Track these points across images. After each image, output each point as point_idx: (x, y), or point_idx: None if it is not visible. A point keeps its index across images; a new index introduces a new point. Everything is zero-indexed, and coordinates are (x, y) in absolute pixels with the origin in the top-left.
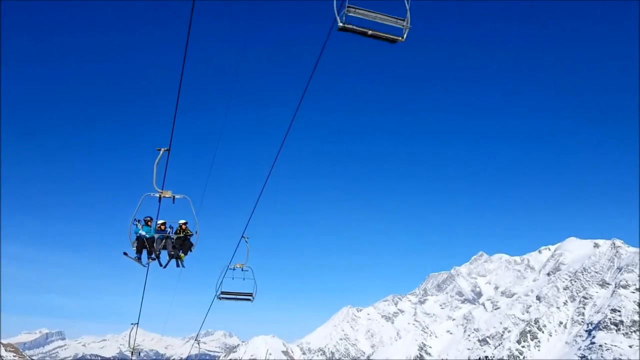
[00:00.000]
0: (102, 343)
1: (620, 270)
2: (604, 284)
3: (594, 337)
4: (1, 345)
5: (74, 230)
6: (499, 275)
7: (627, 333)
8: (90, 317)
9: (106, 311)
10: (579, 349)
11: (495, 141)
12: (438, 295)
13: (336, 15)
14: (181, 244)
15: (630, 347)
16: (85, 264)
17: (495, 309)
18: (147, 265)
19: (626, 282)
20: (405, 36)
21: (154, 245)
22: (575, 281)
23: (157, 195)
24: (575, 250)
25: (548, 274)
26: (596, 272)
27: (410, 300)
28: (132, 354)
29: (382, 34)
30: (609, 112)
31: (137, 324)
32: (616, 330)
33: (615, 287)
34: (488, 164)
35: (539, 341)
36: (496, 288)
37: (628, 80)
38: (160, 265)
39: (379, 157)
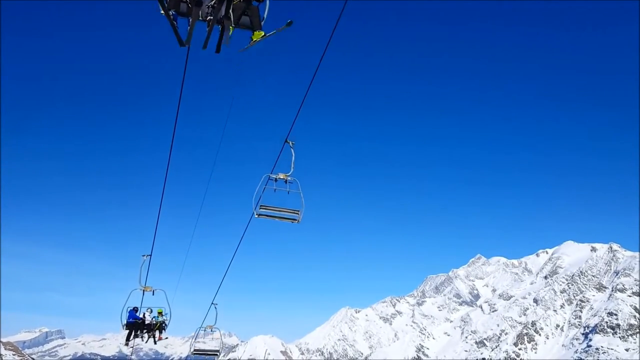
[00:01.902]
0: (102, 342)
1: (617, 274)
2: (601, 288)
3: (590, 340)
4: (1, 344)
5: (73, 228)
6: (496, 278)
7: (623, 336)
8: (90, 315)
9: (106, 310)
10: (576, 351)
11: (494, 145)
12: (436, 297)
13: (254, 209)
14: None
15: (627, 350)
16: (85, 262)
17: (493, 312)
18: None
19: (623, 285)
20: (299, 219)
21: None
22: (572, 284)
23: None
24: (573, 253)
25: (545, 277)
26: (593, 276)
27: (408, 302)
28: (143, 292)
29: (284, 218)
30: (608, 117)
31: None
32: (613, 334)
33: (612, 290)
34: (487, 167)
35: (535, 344)
36: (494, 290)
37: (627, 86)
38: (207, 46)
39: (378, 158)
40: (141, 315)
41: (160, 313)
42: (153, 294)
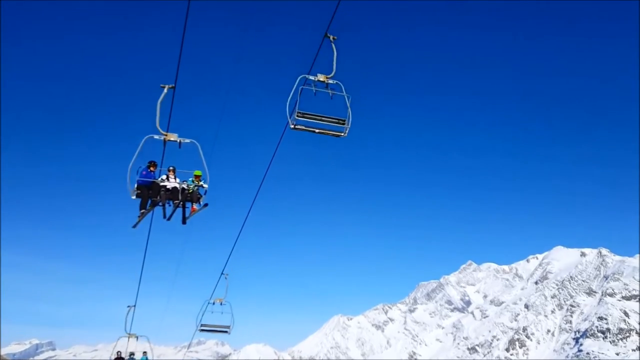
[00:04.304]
0: (94, 353)
1: (606, 279)
2: (590, 292)
3: (581, 344)
4: None
5: (64, 235)
6: (487, 284)
7: (613, 341)
8: (82, 325)
9: (98, 319)
10: (567, 356)
11: (484, 151)
12: (428, 303)
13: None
14: None
15: (617, 354)
16: (76, 271)
17: (484, 318)
18: None
19: (612, 290)
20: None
21: None
22: (562, 289)
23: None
24: (563, 259)
25: (536, 283)
26: (583, 281)
27: (400, 309)
28: (164, 143)
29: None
30: (596, 123)
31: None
32: (603, 338)
33: (602, 295)
34: (477, 174)
35: (527, 349)
36: (485, 297)
37: (616, 92)
38: None
39: (370, 164)
40: (162, 178)
41: (197, 176)
42: (180, 147)
